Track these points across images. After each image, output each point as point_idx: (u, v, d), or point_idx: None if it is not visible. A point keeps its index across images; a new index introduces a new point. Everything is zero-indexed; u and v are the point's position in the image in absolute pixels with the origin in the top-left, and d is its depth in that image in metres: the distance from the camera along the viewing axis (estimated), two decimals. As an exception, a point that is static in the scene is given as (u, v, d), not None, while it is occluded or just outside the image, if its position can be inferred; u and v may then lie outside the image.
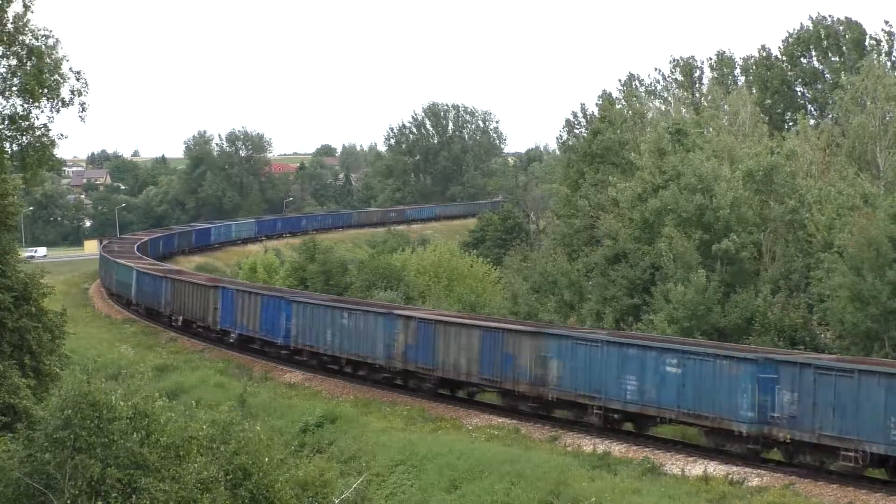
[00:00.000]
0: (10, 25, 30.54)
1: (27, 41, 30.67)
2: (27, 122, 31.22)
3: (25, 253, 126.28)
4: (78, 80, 31.36)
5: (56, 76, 30.75)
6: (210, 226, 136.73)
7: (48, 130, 31.51)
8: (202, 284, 66.90)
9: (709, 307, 54.51)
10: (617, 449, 39.11)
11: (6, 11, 30.49)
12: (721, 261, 57.27)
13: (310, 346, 54.62)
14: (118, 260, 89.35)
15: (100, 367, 55.02)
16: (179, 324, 69.92)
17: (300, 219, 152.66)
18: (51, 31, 31.07)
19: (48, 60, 30.64)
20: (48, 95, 30.85)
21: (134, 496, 20.90)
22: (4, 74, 31.05)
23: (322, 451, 42.76)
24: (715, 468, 35.86)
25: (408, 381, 49.30)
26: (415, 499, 37.15)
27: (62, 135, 32.43)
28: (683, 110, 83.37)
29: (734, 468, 35.67)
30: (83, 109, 31.68)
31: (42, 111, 31.28)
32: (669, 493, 33.39)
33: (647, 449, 38.69)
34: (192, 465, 21.78)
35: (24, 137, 31.46)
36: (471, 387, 46.29)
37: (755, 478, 34.77)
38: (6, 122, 31.24)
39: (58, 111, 31.24)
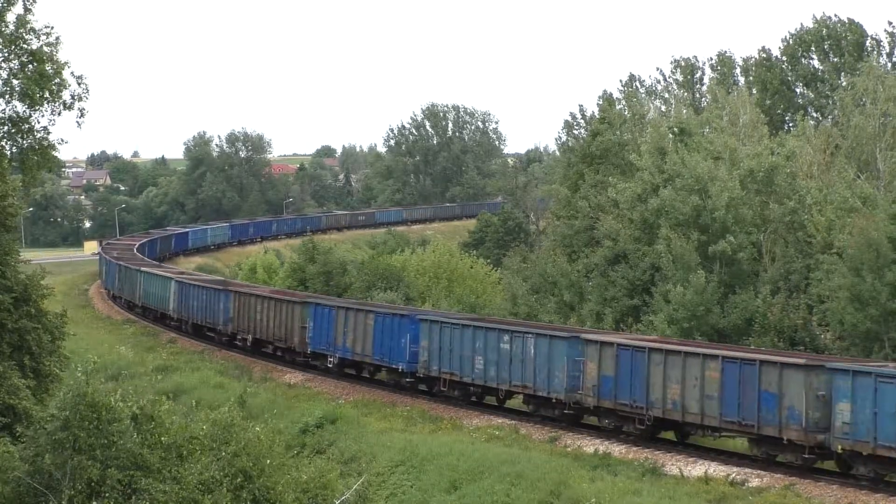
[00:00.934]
0: (10, 27, 30.56)
1: (29, 42, 30.69)
2: (27, 125, 31.25)
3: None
4: (79, 84, 31.44)
5: (57, 80, 30.78)
6: (188, 230, 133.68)
7: (48, 133, 31.57)
8: (285, 300, 58.16)
9: (708, 308, 54.51)
10: (617, 450, 39.10)
11: (7, 12, 30.50)
12: (720, 262, 57.28)
13: (450, 373, 46.55)
14: (147, 270, 79.87)
15: (99, 368, 54.98)
16: (248, 344, 61.92)
17: (247, 226, 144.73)
18: (52, 27, 31.11)
19: (50, 64, 30.67)
20: (49, 99, 30.88)
21: (134, 497, 20.92)
22: (5, 78, 31.08)
23: (322, 451, 42.76)
24: (715, 469, 35.86)
25: (602, 419, 41.59)
26: (415, 499, 37.14)
27: (62, 140, 32.49)
28: (684, 110, 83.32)
29: (735, 469, 35.68)
30: (81, 115, 31.74)
31: (43, 115, 31.34)
32: (670, 493, 33.40)
33: (647, 450, 38.68)
34: (195, 466, 21.82)
35: (24, 140, 31.50)
36: (705, 430, 38.56)
37: (755, 478, 34.77)
38: (7, 125, 31.27)
39: (59, 114, 31.29)
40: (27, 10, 30.57)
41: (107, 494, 20.77)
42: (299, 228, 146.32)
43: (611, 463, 37.57)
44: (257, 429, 24.17)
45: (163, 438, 21.64)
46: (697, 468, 36.22)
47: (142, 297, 79.37)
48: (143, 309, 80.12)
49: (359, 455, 41.56)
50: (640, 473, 35.95)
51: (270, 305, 59.04)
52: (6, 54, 30.83)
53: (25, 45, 30.71)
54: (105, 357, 61.85)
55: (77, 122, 31.81)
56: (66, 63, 31.11)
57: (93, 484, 20.83)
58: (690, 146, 63.07)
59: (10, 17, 30.59)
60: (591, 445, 39.78)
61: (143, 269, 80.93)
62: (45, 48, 30.82)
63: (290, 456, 26.91)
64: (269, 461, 23.15)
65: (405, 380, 49.33)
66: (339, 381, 53.79)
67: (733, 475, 35.09)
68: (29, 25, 30.65)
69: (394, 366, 49.76)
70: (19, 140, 31.48)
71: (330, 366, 54.26)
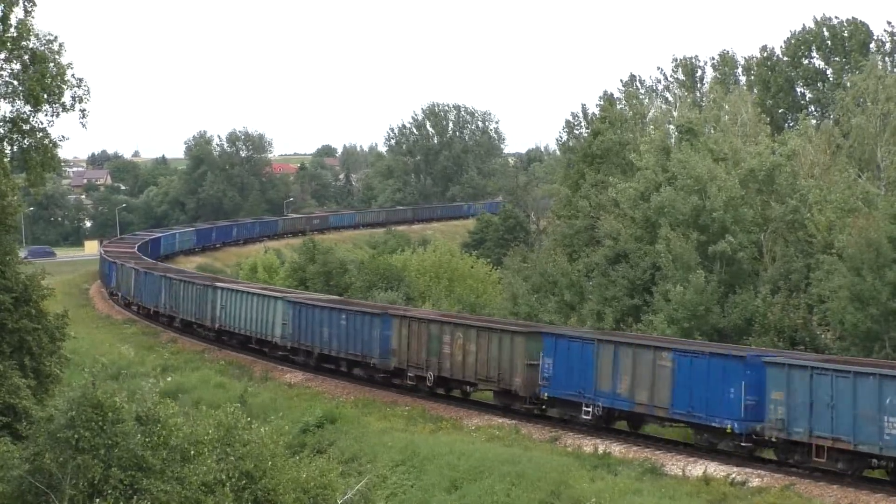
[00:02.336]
0: (13, 30, 30.58)
1: (30, 45, 30.73)
2: (28, 126, 31.30)
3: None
4: (80, 87, 31.48)
5: (59, 82, 30.82)
6: (161, 235, 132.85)
7: (49, 134, 31.60)
8: (498, 329, 45.97)
9: (708, 308, 54.50)
10: (617, 449, 39.12)
11: (10, 16, 30.52)
12: (720, 261, 57.26)
13: (825, 436, 34.34)
14: (228, 287, 66.57)
15: (101, 368, 54.96)
16: (430, 384, 48.85)
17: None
18: (55, 36, 31.18)
19: (52, 66, 30.70)
20: (50, 100, 30.94)
21: (135, 497, 20.95)
22: (7, 79, 31.10)
23: (323, 451, 42.77)
24: (716, 469, 35.88)
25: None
26: (415, 499, 37.16)
27: (63, 136, 32.54)
28: (686, 110, 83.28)
29: (735, 469, 35.70)
30: (83, 116, 31.80)
31: (46, 114, 31.38)
32: (670, 493, 33.43)
33: (647, 449, 38.70)
34: (200, 468, 21.84)
35: (25, 140, 31.53)
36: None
37: (756, 478, 34.80)
38: (8, 126, 31.30)
39: (57, 115, 31.33)
40: (27, 13, 30.60)
41: (108, 493, 20.81)
42: (258, 234, 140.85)
43: (611, 462, 37.61)
44: (262, 430, 24.20)
45: (169, 441, 21.65)
46: (698, 468, 36.24)
47: (222, 319, 64.77)
48: (219, 334, 65.56)
49: (359, 455, 41.59)
50: (640, 473, 35.97)
51: (478, 335, 46.15)
52: (8, 56, 30.86)
53: (27, 46, 30.74)
54: (106, 356, 61.98)
55: (81, 122, 31.88)
56: (69, 65, 31.17)
57: (95, 483, 20.87)
58: (696, 146, 62.99)
59: (13, 19, 30.61)
60: (590, 445, 39.80)
61: (218, 285, 67.18)
62: (48, 52, 30.86)
63: (291, 456, 26.92)
64: (270, 463, 23.19)
65: (740, 445, 36.99)
66: (339, 382, 53.77)
67: (734, 475, 35.11)
68: (31, 32, 30.70)
69: (717, 423, 37.24)
70: (19, 139, 31.50)
71: (588, 419, 41.61)
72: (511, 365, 43.94)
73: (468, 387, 47.45)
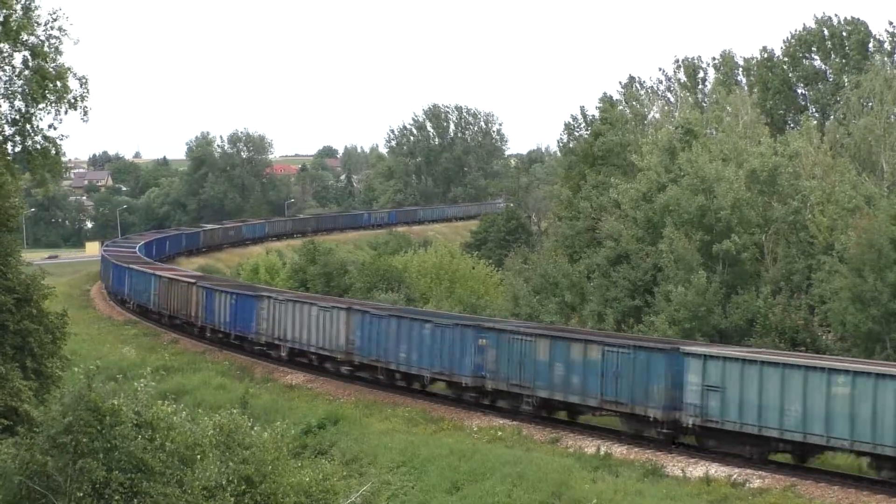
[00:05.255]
0: (14, 23, 30.57)
1: (30, 39, 30.73)
2: (29, 125, 31.29)
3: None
4: (81, 85, 31.48)
5: (59, 82, 30.82)
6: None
7: (49, 137, 31.60)
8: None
9: (710, 308, 54.48)
10: (618, 450, 39.12)
11: (13, 13, 30.51)
12: (722, 262, 57.25)
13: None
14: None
15: (101, 369, 54.89)
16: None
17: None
18: (56, 18, 31.11)
19: (51, 66, 30.70)
20: (51, 100, 30.94)
21: (136, 500, 20.91)
22: (8, 77, 31.10)
23: (324, 452, 42.73)
24: (717, 470, 35.87)
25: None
26: (416, 500, 37.12)
27: (63, 136, 32.55)
28: (688, 111, 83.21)
29: (736, 470, 35.70)
30: (85, 113, 31.81)
31: (48, 112, 31.38)
32: (671, 494, 33.42)
33: (648, 450, 38.70)
34: (203, 472, 21.79)
35: (27, 140, 31.53)
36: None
37: (757, 479, 34.79)
38: (11, 126, 31.31)
39: (58, 113, 31.34)
40: (26, 11, 30.58)
41: (109, 496, 20.75)
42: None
43: (612, 464, 37.60)
44: (265, 435, 24.14)
45: (167, 444, 21.60)
46: (699, 469, 36.23)
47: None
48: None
49: (360, 456, 41.55)
50: (641, 474, 35.96)
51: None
52: (9, 53, 30.88)
53: (27, 42, 30.75)
54: (107, 357, 61.93)
55: (82, 119, 31.90)
56: (70, 69, 31.19)
57: (96, 486, 20.82)
58: (701, 147, 62.93)
59: (14, 18, 30.60)
60: (592, 446, 39.79)
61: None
62: (47, 49, 30.85)
63: (293, 457, 26.90)
64: (271, 467, 23.14)
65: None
66: (339, 382, 53.75)
67: (735, 476, 35.11)
68: (34, 20, 30.71)
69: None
70: (23, 140, 31.50)
71: None
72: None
73: None
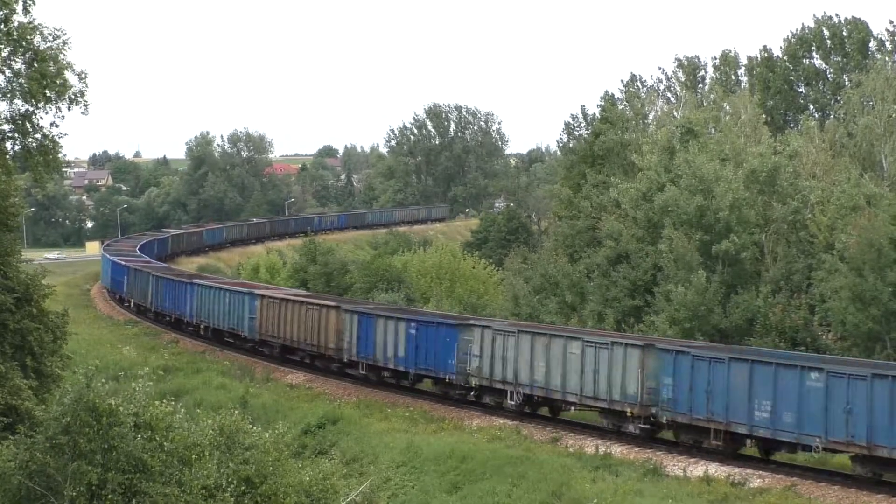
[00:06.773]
0: (14, 25, 30.55)
1: (31, 42, 30.70)
2: (29, 124, 31.28)
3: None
4: (81, 80, 31.47)
5: (59, 81, 30.80)
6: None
7: (49, 135, 31.57)
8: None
9: (710, 308, 54.49)
10: (618, 450, 39.13)
11: (12, 17, 30.50)
12: (722, 262, 57.26)
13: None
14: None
15: (101, 369, 54.89)
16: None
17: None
18: (61, 30, 31.11)
19: (51, 66, 30.69)
20: (52, 99, 30.93)
21: (134, 500, 20.90)
22: (9, 77, 31.09)
23: (324, 452, 42.75)
24: (717, 469, 35.87)
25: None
26: (416, 500, 37.13)
27: (61, 133, 32.50)
28: (689, 111, 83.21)
29: (736, 469, 35.70)
30: (85, 106, 31.83)
31: (48, 112, 31.37)
32: (671, 494, 33.41)
33: (648, 450, 38.71)
34: (202, 472, 21.79)
35: (27, 139, 31.52)
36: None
37: (757, 479, 34.80)
38: (9, 124, 31.30)
39: (59, 111, 31.32)
40: (26, 11, 30.57)
41: (108, 497, 20.75)
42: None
43: (612, 463, 37.60)
44: (265, 436, 24.14)
45: (165, 444, 21.59)
46: (699, 468, 36.23)
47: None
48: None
49: (361, 456, 41.56)
50: (641, 474, 35.96)
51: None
52: (10, 53, 30.85)
53: (28, 45, 30.72)
54: (107, 357, 61.94)
55: (82, 113, 31.89)
56: (70, 65, 31.16)
57: (93, 487, 20.81)
58: (702, 146, 62.89)
59: (15, 19, 30.60)
60: (592, 446, 39.80)
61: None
62: (49, 51, 30.84)
63: (293, 457, 26.91)
64: (272, 468, 23.14)
65: None
66: (339, 382, 53.75)
67: (735, 476, 35.11)
68: (32, 25, 30.68)
69: None
70: (23, 139, 31.49)
71: None
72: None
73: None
